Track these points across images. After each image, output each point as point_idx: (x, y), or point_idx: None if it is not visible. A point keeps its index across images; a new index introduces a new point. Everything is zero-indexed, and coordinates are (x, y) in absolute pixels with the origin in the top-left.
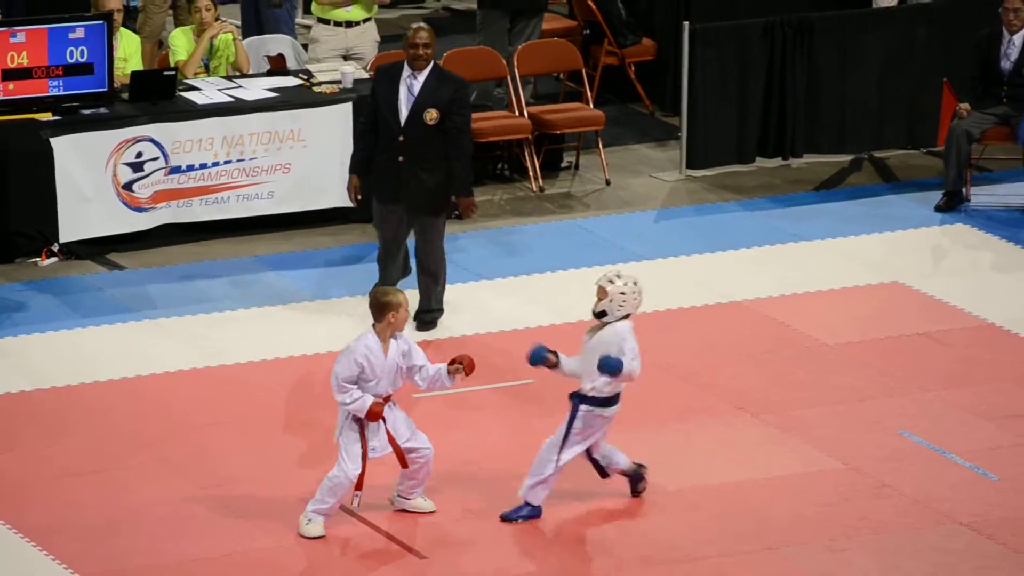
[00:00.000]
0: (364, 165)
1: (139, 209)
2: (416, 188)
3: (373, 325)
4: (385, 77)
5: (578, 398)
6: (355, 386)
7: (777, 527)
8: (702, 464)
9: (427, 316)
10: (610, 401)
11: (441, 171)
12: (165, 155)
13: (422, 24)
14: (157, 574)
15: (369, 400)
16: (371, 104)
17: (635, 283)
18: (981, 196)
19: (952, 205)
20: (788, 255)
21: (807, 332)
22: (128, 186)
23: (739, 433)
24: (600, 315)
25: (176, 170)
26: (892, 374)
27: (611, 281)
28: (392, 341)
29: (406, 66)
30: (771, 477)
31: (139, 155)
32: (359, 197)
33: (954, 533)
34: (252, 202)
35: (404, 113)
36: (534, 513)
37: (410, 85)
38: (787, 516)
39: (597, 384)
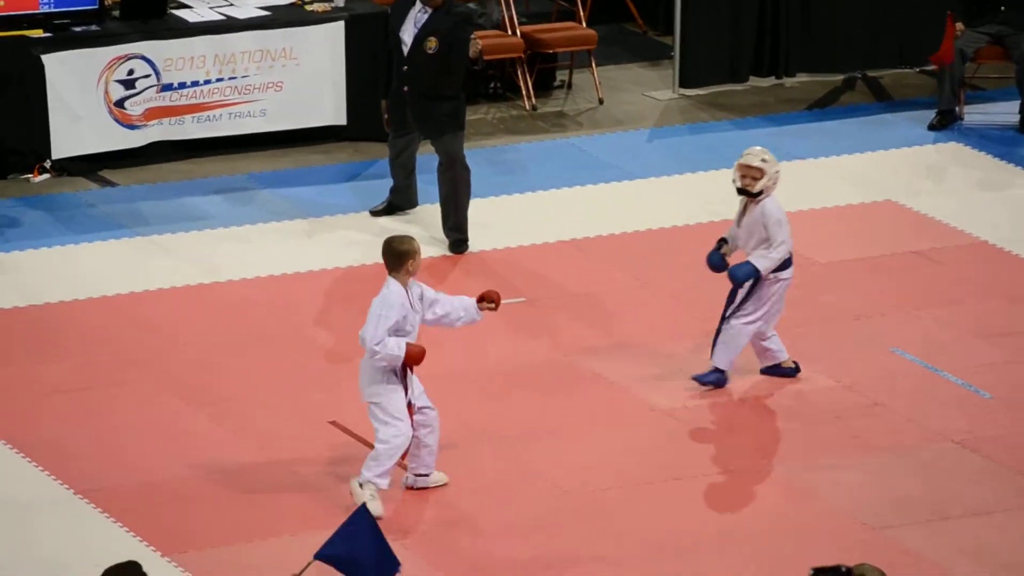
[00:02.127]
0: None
1: (131, 126)
2: (424, 115)
3: (392, 274)
4: (400, 7)
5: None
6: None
7: (769, 445)
8: (694, 383)
9: (452, 236)
10: (783, 265)
11: (447, 100)
12: (157, 72)
13: None
14: (151, 490)
15: (404, 343)
16: (389, 34)
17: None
18: (974, 115)
19: (945, 124)
20: (781, 174)
21: (800, 251)
22: (120, 103)
23: None
24: (757, 194)
25: (168, 87)
26: (885, 292)
27: (765, 160)
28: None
29: (418, 0)
30: (763, 395)
31: (131, 72)
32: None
33: (946, 451)
34: (244, 120)
35: (408, 44)
36: (721, 380)
37: (417, 17)
38: (779, 434)
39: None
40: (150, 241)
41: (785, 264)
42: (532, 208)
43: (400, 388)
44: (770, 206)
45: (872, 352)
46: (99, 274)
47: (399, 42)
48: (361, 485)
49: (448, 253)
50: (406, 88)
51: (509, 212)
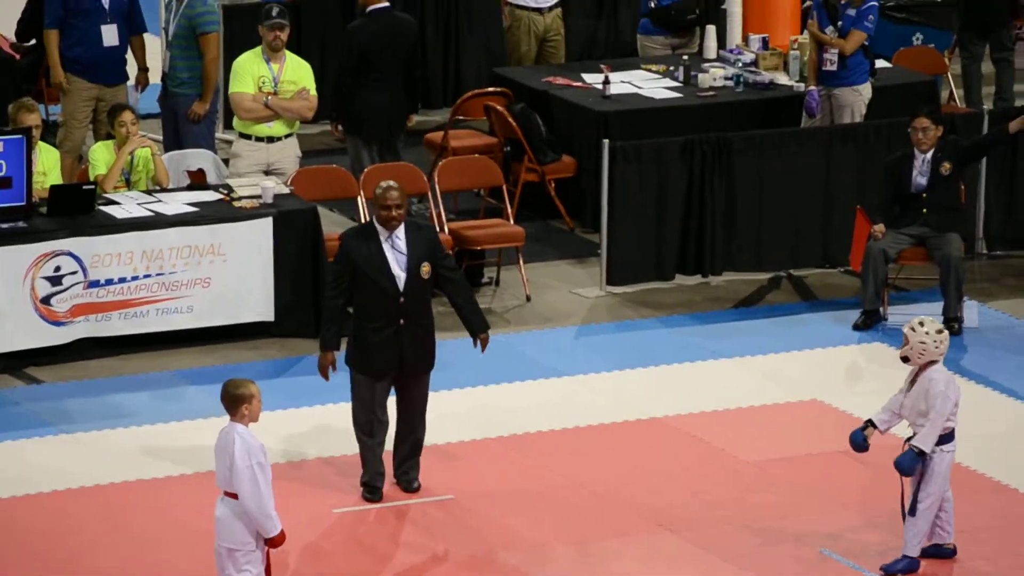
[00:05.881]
0: (339, 340)
1: (57, 323)
2: (416, 347)
3: (233, 419)
4: (361, 242)
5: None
6: None
7: None
8: None
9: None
10: (949, 437)
11: (431, 322)
12: (84, 269)
13: (391, 183)
14: None
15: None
16: (346, 274)
17: (938, 332)
18: (899, 315)
19: (870, 324)
20: (707, 372)
21: (727, 449)
22: (46, 300)
23: (659, 551)
24: (905, 360)
25: (95, 284)
26: (812, 492)
27: (913, 329)
28: None
29: (379, 226)
30: None
31: (57, 269)
32: (334, 371)
33: None
34: (172, 316)
35: (401, 274)
36: (912, 566)
37: (394, 243)
38: None
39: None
40: (75, 439)
41: (949, 436)
42: (458, 405)
43: (263, 556)
44: (935, 375)
45: (800, 552)
46: (21, 473)
47: (388, 275)
48: None
49: None
50: (402, 321)
51: (434, 409)
